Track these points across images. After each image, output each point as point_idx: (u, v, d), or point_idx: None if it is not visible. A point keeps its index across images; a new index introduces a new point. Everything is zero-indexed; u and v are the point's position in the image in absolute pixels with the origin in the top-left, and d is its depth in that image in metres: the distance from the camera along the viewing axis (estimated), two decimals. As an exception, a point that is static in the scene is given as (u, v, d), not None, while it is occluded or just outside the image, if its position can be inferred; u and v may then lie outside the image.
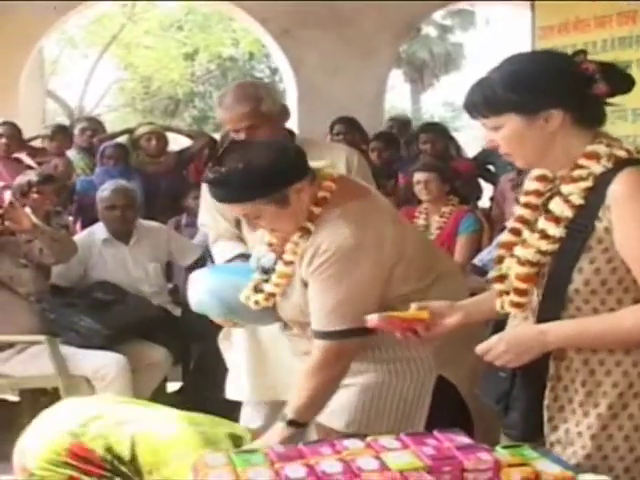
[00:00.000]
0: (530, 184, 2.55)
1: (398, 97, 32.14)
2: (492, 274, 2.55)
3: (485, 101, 2.42)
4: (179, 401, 6.06)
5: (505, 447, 2.35)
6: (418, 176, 6.35)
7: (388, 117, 10.52)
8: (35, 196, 5.96)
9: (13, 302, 5.28)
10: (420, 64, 33.00)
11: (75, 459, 2.89)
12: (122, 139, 8.13)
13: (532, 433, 2.51)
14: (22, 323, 5.25)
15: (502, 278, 2.52)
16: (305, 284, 3.03)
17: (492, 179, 8.23)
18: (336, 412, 3.15)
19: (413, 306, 2.72)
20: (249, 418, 4.24)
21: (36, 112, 12.77)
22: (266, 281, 3.16)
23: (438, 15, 16.52)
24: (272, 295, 3.13)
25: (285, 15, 9.91)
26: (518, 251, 2.46)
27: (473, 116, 2.49)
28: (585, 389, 2.44)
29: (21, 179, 6.08)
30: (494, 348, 2.46)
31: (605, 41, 7.84)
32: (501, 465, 2.24)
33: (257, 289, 3.19)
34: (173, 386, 6.27)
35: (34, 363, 5.17)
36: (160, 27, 24.73)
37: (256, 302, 3.17)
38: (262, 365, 4.06)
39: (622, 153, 2.38)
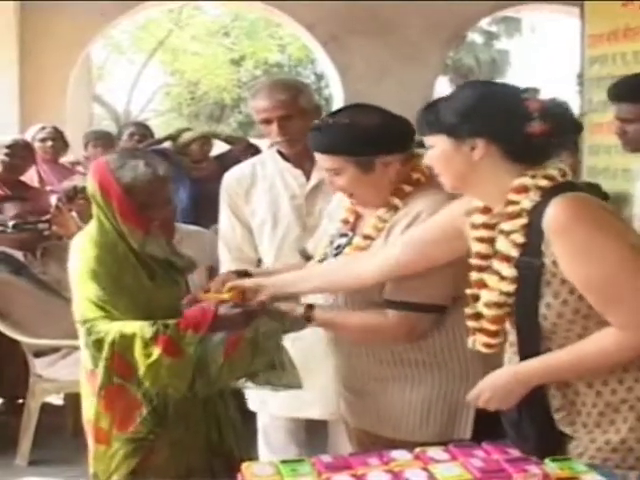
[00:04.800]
0: (476, 217, 2.54)
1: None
2: (467, 311, 2.53)
3: (426, 119, 2.51)
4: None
5: (554, 460, 2.32)
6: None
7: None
8: (81, 201, 5.94)
9: (59, 306, 5.28)
10: (466, 71, 32.90)
11: None
12: (166, 144, 8.12)
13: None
14: (67, 327, 5.20)
15: (477, 316, 2.51)
16: None
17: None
18: (383, 418, 3.04)
19: (227, 286, 3.06)
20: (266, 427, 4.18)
21: (83, 117, 12.87)
22: (337, 255, 3.10)
23: (484, 22, 16.42)
24: None
25: (331, 21, 9.94)
26: (484, 295, 2.47)
27: (418, 132, 2.60)
28: (597, 409, 2.39)
29: (67, 184, 6.07)
30: (481, 395, 2.49)
31: (655, 50, 7.74)
32: (550, 478, 2.23)
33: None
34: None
35: (79, 367, 5.18)
36: (207, 33, 24.90)
37: None
38: None
39: (544, 183, 2.37)
